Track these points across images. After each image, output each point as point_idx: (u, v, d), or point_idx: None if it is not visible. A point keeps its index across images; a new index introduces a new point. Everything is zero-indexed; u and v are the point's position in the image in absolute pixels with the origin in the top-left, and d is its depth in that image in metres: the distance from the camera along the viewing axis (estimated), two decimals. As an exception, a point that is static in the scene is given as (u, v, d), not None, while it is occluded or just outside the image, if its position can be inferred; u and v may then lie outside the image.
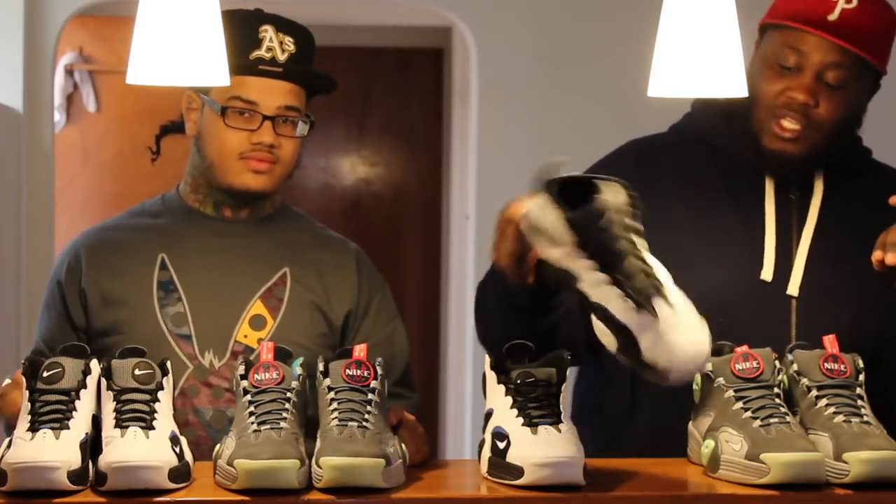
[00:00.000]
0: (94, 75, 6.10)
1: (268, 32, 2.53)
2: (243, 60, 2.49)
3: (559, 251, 2.06)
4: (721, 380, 2.19)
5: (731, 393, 2.18)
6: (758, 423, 2.13)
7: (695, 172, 2.57)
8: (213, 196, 2.60)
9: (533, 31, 5.02)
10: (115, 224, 2.65)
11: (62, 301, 2.57)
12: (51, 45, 4.80)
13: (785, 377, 2.21)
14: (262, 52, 2.52)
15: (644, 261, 1.99)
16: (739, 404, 2.16)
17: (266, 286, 2.56)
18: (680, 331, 1.96)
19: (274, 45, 2.52)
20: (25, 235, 4.74)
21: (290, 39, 2.54)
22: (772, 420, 2.13)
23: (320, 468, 2.01)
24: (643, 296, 1.95)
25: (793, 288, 2.51)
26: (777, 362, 2.21)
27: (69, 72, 6.07)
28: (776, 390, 2.18)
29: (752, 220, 2.51)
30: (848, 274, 2.49)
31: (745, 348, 2.22)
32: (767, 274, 2.51)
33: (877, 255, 2.30)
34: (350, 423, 2.06)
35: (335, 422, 2.07)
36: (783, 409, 2.15)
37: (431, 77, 6.79)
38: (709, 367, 2.20)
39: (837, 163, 2.57)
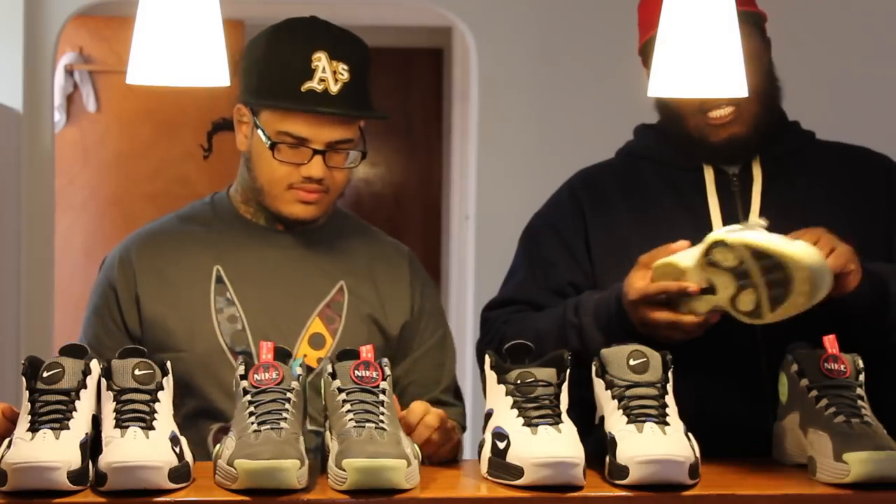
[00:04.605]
0: (94, 75, 6.10)
1: (321, 62, 2.43)
2: (295, 93, 2.42)
3: None
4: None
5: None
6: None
7: (639, 185, 2.63)
8: (264, 213, 2.54)
9: (533, 31, 5.02)
10: (166, 231, 2.56)
11: (117, 307, 2.49)
12: (51, 45, 4.79)
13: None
14: (314, 84, 2.42)
15: None
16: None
17: (324, 302, 2.50)
18: None
19: (327, 75, 2.43)
20: (25, 235, 4.74)
21: (345, 67, 2.45)
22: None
23: (343, 470, 2.00)
24: None
25: None
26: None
27: (69, 72, 6.07)
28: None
29: (698, 216, 2.53)
30: None
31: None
32: None
33: None
34: (367, 425, 2.06)
35: (352, 423, 2.07)
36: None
37: (431, 77, 6.79)
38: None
39: (775, 145, 2.60)
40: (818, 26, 4.89)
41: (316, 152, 2.44)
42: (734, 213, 2.55)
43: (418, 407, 2.32)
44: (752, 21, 2.55)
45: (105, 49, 6.07)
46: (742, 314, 2.27)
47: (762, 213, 2.54)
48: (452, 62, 6.52)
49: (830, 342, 2.25)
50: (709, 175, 2.58)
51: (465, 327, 5.72)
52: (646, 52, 2.54)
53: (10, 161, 4.64)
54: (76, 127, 6.11)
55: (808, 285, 2.20)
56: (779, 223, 2.44)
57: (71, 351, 2.17)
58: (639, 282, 2.35)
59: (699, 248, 2.30)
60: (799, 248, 2.23)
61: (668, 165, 2.62)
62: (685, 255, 2.32)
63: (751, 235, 2.26)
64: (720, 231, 2.32)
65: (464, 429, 2.58)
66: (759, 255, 2.23)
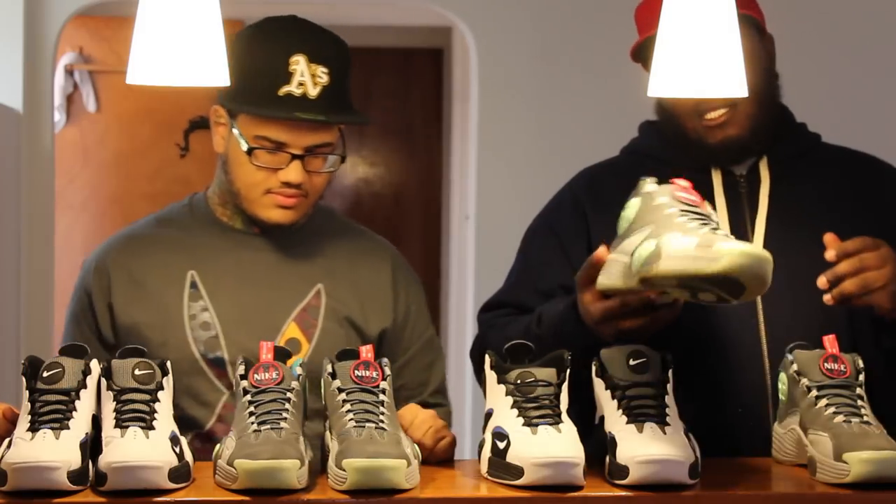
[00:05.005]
0: (94, 75, 6.11)
1: (299, 65, 2.39)
2: (272, 98, 2.38)
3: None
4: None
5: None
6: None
7: None
8: (241, 216, 2.51)
9: (533, 31, 5.02)
10: (143, 235, 2.55)
11: (92, 314, 2.49)
12: (51, 45, 4.80)
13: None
14: (292, 88, 2.38)
15: None
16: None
17: (300, 306, 2.48)
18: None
19: (305, 78, 2.39)
20: (25, 235, 4.74)
21: (324, 70, 2.40)
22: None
23: (342, 470, 2.00)
24: None
25: None
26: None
27: (69, 72, 6.08)
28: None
29: None
30: (807, 255, 2.49)
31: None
32: None
33: (821, 281, 2.31)
34: (367, 425, 2.06)
35: (352, 423, 2.07)
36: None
37: (431, 77, 6.79)
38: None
39: (780, 146, 2.58)
40: (820, 27, 4.89)
41: (294, 157, 2.40)
42: (741, 215, 2.54)
43: (406, 414, 2.31)
44: (749, 21, 2.54)
45: (105, 49, 6.08)
46: (710, 304, 2.17)
47: (769, 215, 2.54)
48: (452, 62, 6.52)
49: (830, 342, 2.25)
50: (716, 176, 2.57)
51: (465, 327, 5.72)
52: (643, 55, 2.53)
53: (10, 161, 4.64)
54: (76, 127, 6.12)
55: (756, 281, 2.07)
56: (786, 225, 2.44)
57: (71, 351, 2.17)
58: (594, 305, 2.27)
59: (634, 277, 2.15)
60: (722, 260, 2.04)
61: (673, 165, 2.61)
62: (624, 273, 2.19)
63: (668, 265, 2.07)
64: (639, 254, 2.14)
65: (448, 425, 2.57)
66: (688, 281, 2.08)
